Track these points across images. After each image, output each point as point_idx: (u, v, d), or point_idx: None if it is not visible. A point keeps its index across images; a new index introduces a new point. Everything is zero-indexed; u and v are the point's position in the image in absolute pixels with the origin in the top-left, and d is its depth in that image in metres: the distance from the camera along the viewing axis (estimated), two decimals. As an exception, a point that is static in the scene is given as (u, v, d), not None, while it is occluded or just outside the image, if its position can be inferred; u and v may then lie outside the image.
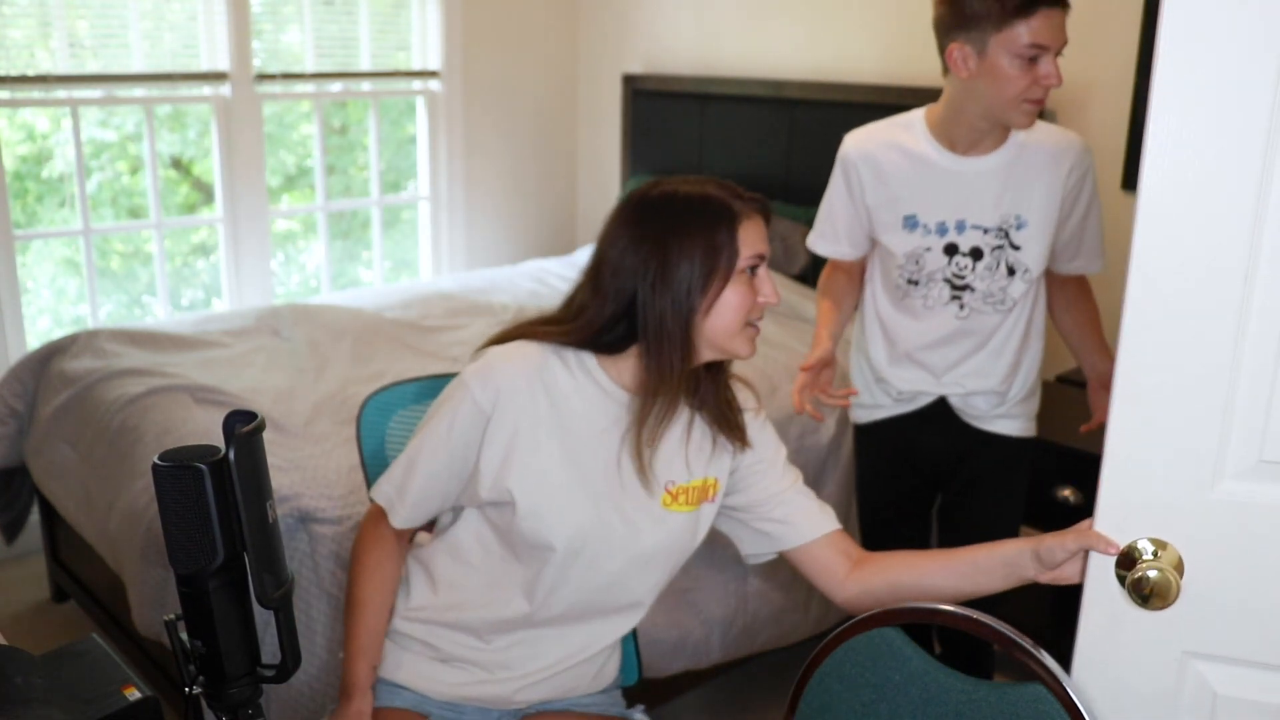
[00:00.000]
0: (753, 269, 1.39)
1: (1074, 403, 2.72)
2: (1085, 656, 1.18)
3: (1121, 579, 1.13)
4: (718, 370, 1.48)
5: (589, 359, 1.43)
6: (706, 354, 1.41)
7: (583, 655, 1.50)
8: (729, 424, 1.48)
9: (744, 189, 1.43)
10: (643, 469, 1.41)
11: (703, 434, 1.48)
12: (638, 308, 1.36)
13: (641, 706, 1.59)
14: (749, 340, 1.40)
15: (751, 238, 1.38)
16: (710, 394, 1.47)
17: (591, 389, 1.42)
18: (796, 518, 1.48)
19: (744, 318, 1.38)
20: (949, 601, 1.33)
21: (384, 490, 1.47)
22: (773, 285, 1.41)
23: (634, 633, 1.69)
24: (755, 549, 1.53)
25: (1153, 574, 1.09)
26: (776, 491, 1.49)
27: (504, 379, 1.39)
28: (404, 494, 1.45)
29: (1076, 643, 1.18)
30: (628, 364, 1.41)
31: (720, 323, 1.37)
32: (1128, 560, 1.12)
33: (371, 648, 1.47)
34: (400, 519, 1.46)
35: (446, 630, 1.49)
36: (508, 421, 1.39)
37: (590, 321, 1.40)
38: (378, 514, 1.51)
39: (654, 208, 1.39)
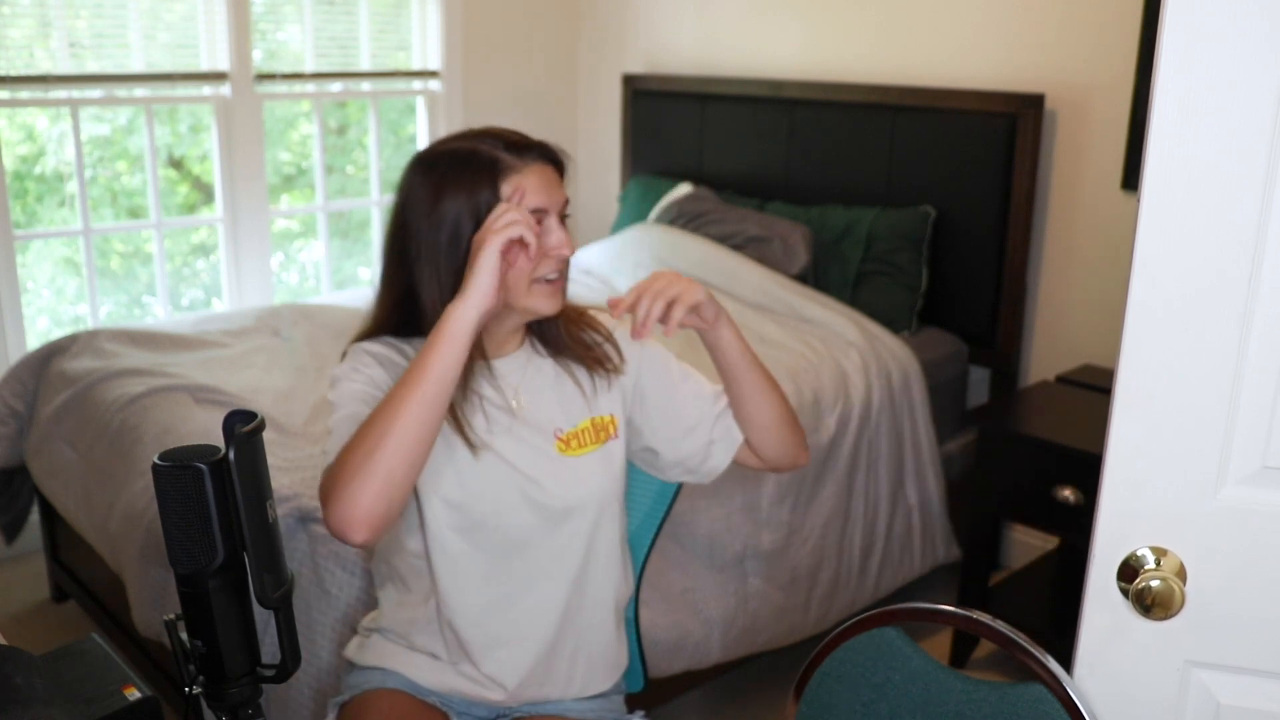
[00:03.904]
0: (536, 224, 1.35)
1: (1074, 403, 2.72)
2: (1086, 665, 1.17)
3: (1124, 590, 1.12)
4: (555, 320, 1.45)
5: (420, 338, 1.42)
6: (513, 315, 1.40)
7: (561, 650, 1.49)
8: (593, 360, 1.47)
9: (529, 138, 1.38)
10: (459, 427, 1.39)
11: (577, 375, 1.48)
12: (414, 277, 1.36)
13: (642, 713, 1.58)
14: (544, 296, 1.37)
15: (530, 189, 1.34)
16: (559, 341, 1.47)
17: None
18: (713, 448, 1.50)
19: (529, 275, 1.35)
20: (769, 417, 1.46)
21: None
22: (564, 236, 1.36)
23: (639, 641, 1.69)
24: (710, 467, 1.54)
25: (1155, 584, 1.08)
26: (679, 406, 1.49)
27: (378, 373, 1.38)
28: None
29: (1077, 652, 1.17)
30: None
31: (507, 281, 1.34)
32: (1129, 570, 1.12)
33: None
34: None
35: (425, 626, 1.49)
36: None
37: (381, 304, 1.41)
38: None
39: (424, 169, 1.37)
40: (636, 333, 1.33)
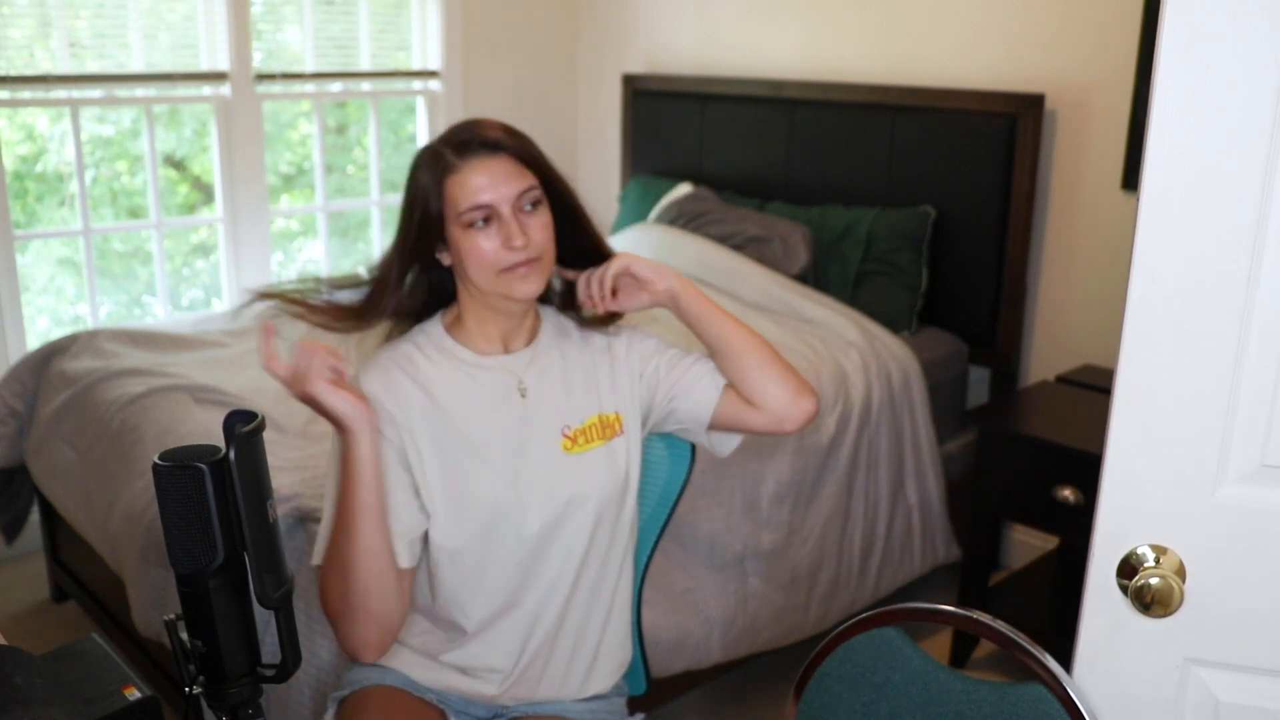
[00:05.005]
0: (486, 220, 1.36)
1: (1074, 403, 2.72)
2: (1086, 663, 1.17)
3: (1123, 587, 1.12)
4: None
5: (434, 331, 1.47)
6: (503, 306, 1.44)
7: (561, 648, 1.50)
8: (594, 322, 1.53)
9: (474, 132, 1.38)
10: (452, 433, 1.44)
11: (586, 374, 1.49)
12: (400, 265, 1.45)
13: (642, 716, 1.58)
14: (515, 280, 1.39)
15: (470, 189, 1.35)
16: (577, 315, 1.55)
17: (448, 363, 1.45)
18: (697, 397, 1.51)
19: (491, 268, 1.37)
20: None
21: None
22: (515, 227, 1.35)
23: (641, 644, 1.68)
24: (710, 439, 1.56)
25: (1155, 581, 1.08)
26: (683, 374, 1.52)
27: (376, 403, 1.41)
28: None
29: (1077, 649, 1.18)
30: (466, 322, 1.47)
31: (473, 274, 1.39)
32: (1129, 567, 1.12)
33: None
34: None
35: (424, 628, 1.49)
36: (396, 441, 1.41)
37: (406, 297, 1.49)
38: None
39: (413, 162, 1.43)
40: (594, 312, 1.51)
